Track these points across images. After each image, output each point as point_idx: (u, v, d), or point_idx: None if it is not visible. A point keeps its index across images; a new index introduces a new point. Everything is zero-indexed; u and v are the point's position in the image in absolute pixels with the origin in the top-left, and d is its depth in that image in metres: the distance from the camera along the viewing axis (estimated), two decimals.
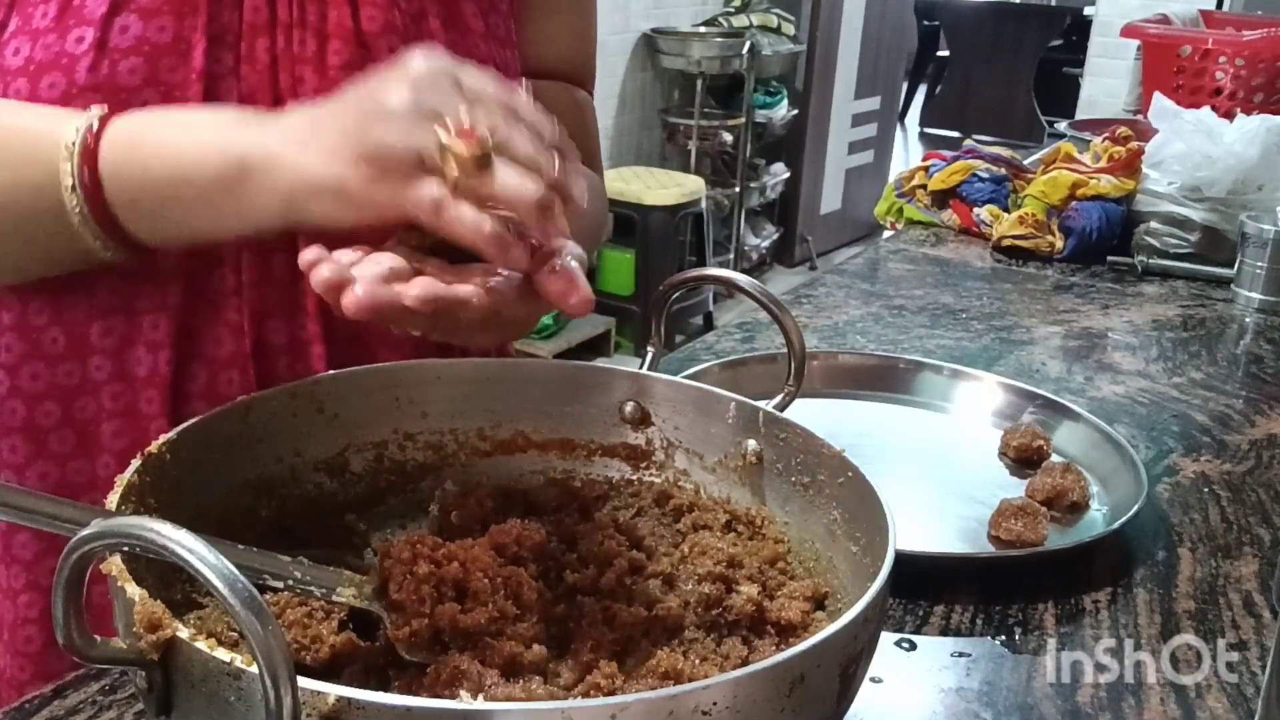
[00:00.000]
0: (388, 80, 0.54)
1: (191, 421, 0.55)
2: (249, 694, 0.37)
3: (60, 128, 0.60)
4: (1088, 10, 4.86)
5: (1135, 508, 0.80)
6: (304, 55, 0.70)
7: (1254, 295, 1.44)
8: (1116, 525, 0.79)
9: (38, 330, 0.70)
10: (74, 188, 0.59)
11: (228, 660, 0.37)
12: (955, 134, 6.21)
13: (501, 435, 0.67)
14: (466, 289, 0.53)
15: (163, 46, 0.65)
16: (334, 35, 0.70)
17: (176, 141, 0.59)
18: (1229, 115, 1.70)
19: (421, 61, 0.54)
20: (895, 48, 5.37)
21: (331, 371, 0.63)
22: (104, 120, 0.60)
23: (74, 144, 0.59)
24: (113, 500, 0.47)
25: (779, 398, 0.65)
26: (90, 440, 0.71)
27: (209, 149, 0.58)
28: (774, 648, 0.53)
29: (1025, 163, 1.77)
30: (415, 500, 0.65)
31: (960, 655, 0.69)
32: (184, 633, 0.39)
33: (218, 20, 0.67)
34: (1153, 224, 1.57)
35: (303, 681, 0.35)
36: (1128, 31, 2.26)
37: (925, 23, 7.38)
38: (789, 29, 4.45)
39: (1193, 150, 1.56)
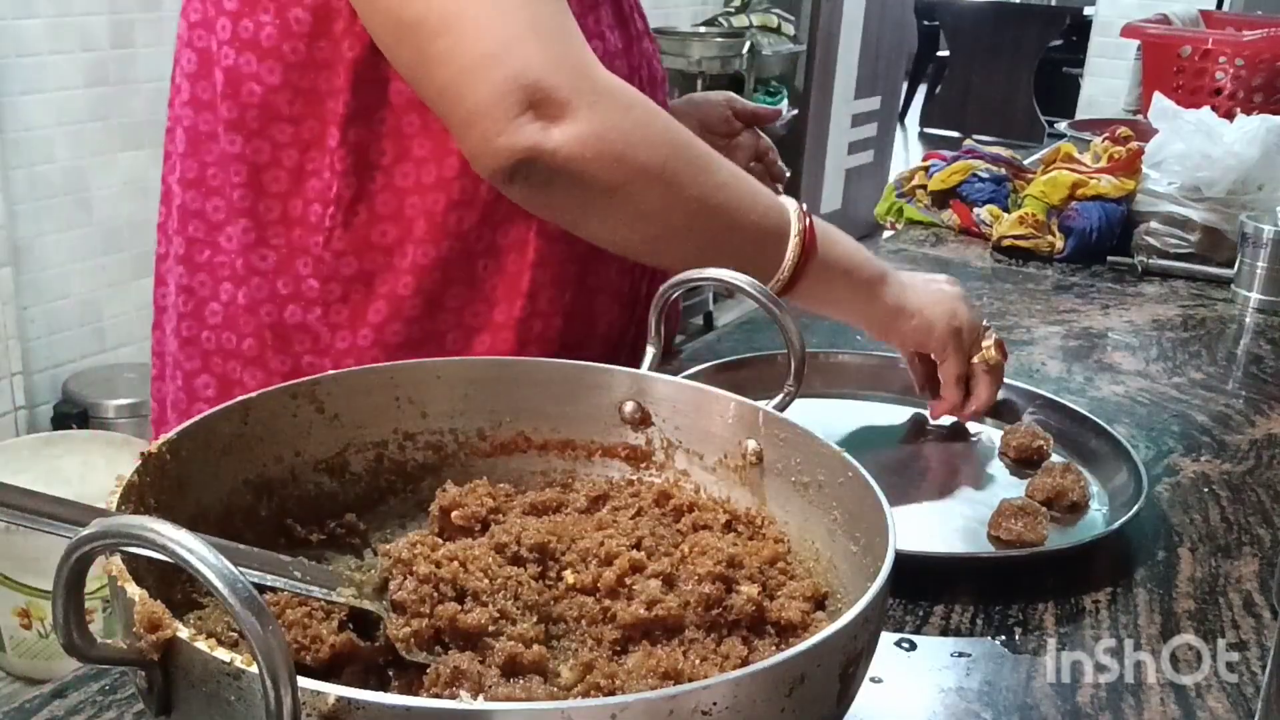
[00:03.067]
0: (960, 301, 0.96)
1: (191, 421, 0.55)
2: (249, 694, 0.37)
3: (784, 203, 0.86)
4: (1088, 10, 4.86)
5: (1135, 508, 0.80)
6: (653, 51, 1.00)
7: (1254, 295, 1.44)
8: (1116, 525, 0.79)
9: (556, 264, 0.89)
10: (797, 233, 0.84)
11: (228, 660, 0.37)
12: (955, 134, 6.20)
13: (501, 435, 0.67)
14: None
15: (616, 51, 0.91)
16: (644, 34, 0.99)
17: (849, 247, 0.90)
18: (1229, 115, 1.70)
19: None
20: (895, 48, 5.36)
21: (331, 371, 0.63)
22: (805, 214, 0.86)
23: (796, 211, 0.85)
24: (113, 500, 0.47)
25: (779, 398, 0.65)
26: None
27: (867, 255, 0.91)
28: (774, 648, 0.53)
29: (1025, 163, 1.77)
30: (415, 500, 0.65)
31: (960, 655, 0.69)
32: (184, 633, 0.39)
33: (626, 31, 0.93)
34: (1153, 224, 1.57)
35: (303, 681, 0.35)
36: (1128, 31, 2.26)
37: (925, 23, 7.38)
38: (789, 29, 4.45)
39: (1193, 150, 1.56)
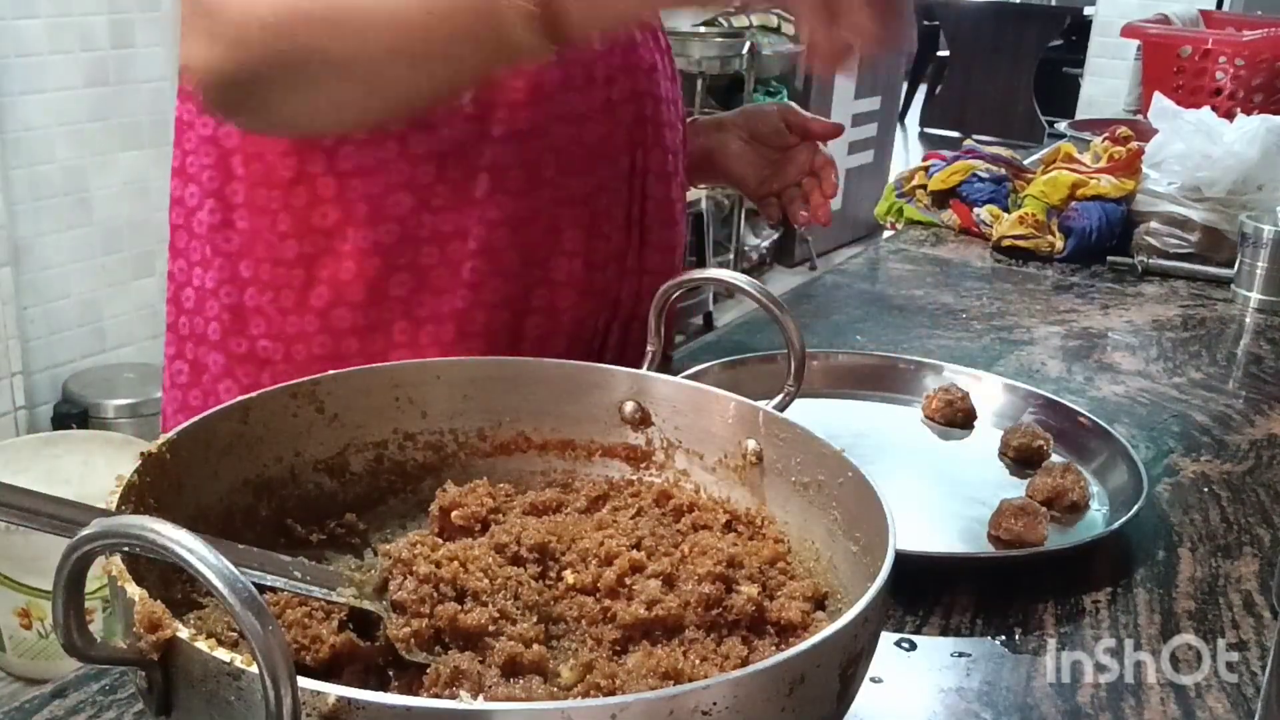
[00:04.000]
0: None
1: (191, 421, 0.55)
2: (249, 694, 0.37)
3: None
4: (1088, 10, 4.86)
5: (1135, 508, 0.80)
6: (640, 40, 0.94)
7: (1254, 295, 1.44)
8: (1116, 525, 0.79)
9: (499, 252, 0.87)
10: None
11: (228, 660, 0.37)
12: (955, 134, 6.20)
13: (501, 435, 0.67)
14: None
15: None
16: (645, 29, 0.95)
17: None
18: (1229, 115, 1.70)
19: None
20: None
21: (331, 372, 0.63)
22: None
23: None
24: (113, 500, 0.47)
25: (779, 398, 0.65)
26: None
27: None
28: (774, 648, 0.53)
29: (1025, 163, 1.77)
30: (415, 500, 0.65)
31: (960, 655, 0.69)
32: (184, 633, 0.39)
33: None
34: (1153, 224, 1.57)
35: (303, 681, 0.35)
36: (1128, 31, 2.27)
37: (925, 23, 7.38)
38: (789, 29, 4.44)
39: (1193, 150, 1.56)
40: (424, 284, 0.86)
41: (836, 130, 1.10)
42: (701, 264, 3.86)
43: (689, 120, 1.10)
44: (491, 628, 0.49)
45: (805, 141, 1.10)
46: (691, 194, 3.81)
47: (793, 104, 1.14)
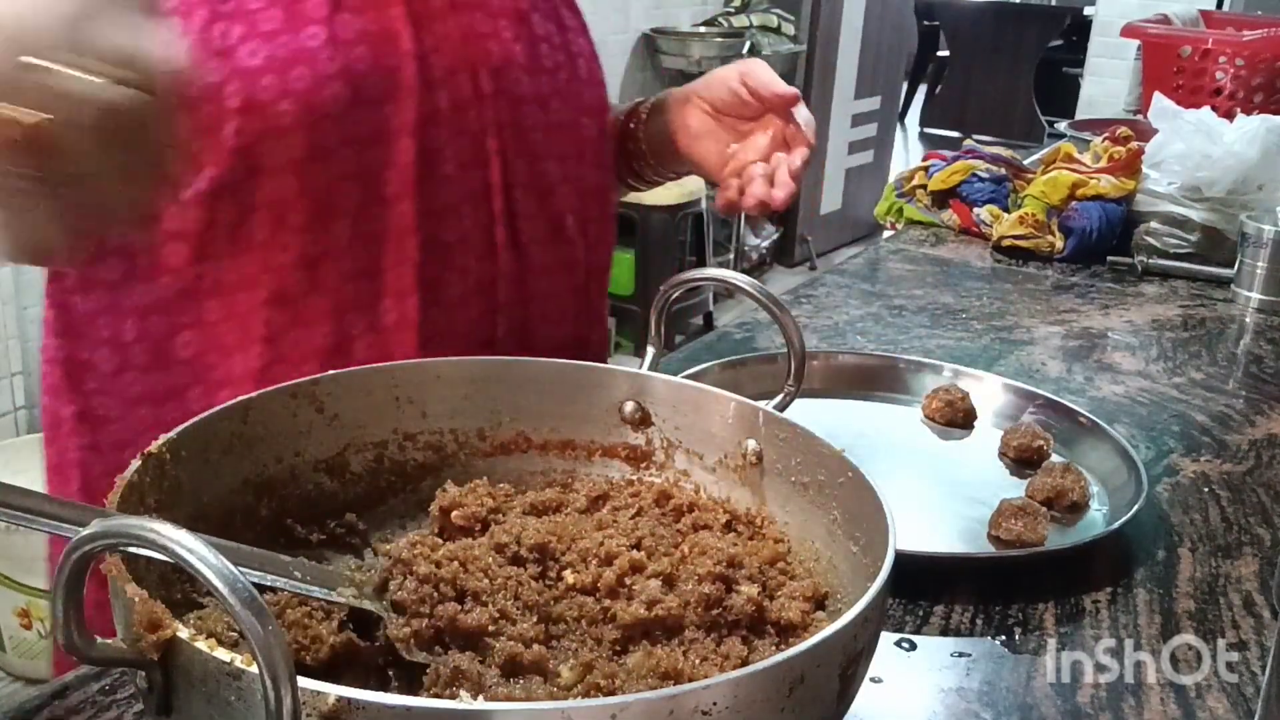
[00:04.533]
0: None
1: (191, 421, 0.55)
2: (249, 694, 0.37)
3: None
4: (1088, 10, 4.86)
5: (1135, 508, 0.80)
6: (485, 32, 0.82)
7: (1254, 295, 1.44)
8: (1116, 525, 0.79)
9: (296, 300, 0.77)
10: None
11: (228, 660, 0.37)
12: (955, 134, 6.20)
13: (501, 435, 0.67)
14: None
15: (377, 35, 0.76)
16: (500, 15, 0.83)
17: None
18: (1229, 115, 1.70)
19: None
20: (895, 48, 5.36)
21: (331, 371, 0.63)
22: None
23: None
24: (113, 500, 0.47)
25: (779, 398, 0.65)
26: None
27: None
28: (774, 648, 0.53)
29: (1025, 163, 1.77)
30: (415, 500, 0.65)
31: (960, 655, 0.69)
32: (184, 633, 0.39)
33: (412, 8, 0.78)
34: (1153, 224, 1.57)
35: (303, 681, 0.35)
36: (1128, 31, 2.26)
37: (925, 23, 7.38)
38: (789, 29, 4.45)
39: (1193, 150, 1.56)
40: (213, 342, 0.77)
41: (793, 97, 0.90)
42: (701, 264, 3.86)
43: (652, 100, 0.99)
44: (491, 628, 0.49)
45: (773, 110, 0.91)
46: (692, 193, 3.82)
47: (755, 62, 0.93)
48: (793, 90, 0.90)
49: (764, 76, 0.90)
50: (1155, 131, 1.65)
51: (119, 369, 0.78)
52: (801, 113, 0.89)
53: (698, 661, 0.51)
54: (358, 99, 0.75)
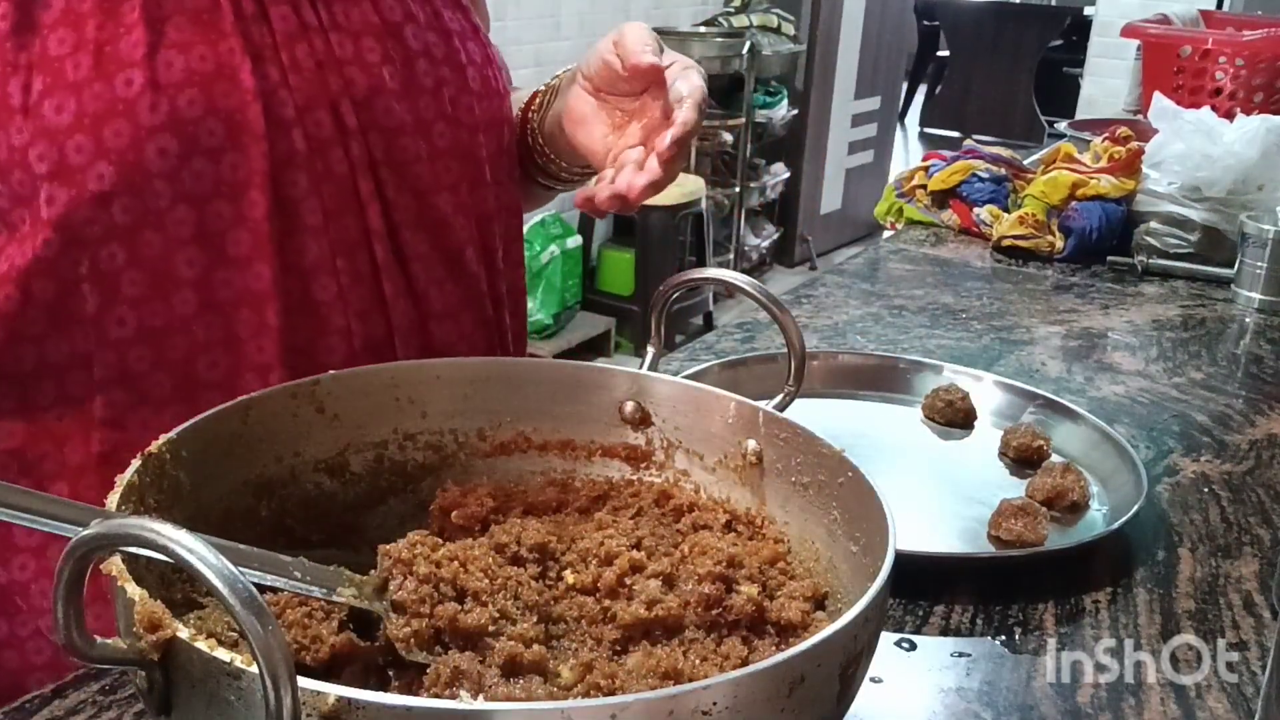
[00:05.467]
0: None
1: (191, 421, 0.55)
2: (249, 694, 0.37)
3: None
4: (1088, 10, 4.86)
5: (1135, 508, 0.80)
6: (345, 57, 0.71)
7: (1254, 295, 1.44)
8: (1116, 525, 0.79)
9: (139, 377, 0.69)
10: None
11: (228, 660, 0.37)
12: (955, 134, 6.20)
13: (501, 435, 0.67)
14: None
15: (210, 74, 0.66)
16: (364, 32, 0.72)
17: None
18: (1229, 115, 1.70)
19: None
20: (895, 48, 5.36)
21: (331, 371, 0.62)
22: None
23: None
24: (113, 500, 0.47)
25: (779, 398, 0.65)
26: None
27: None
28: (774, 648, 0.53)
29: (1025, 163, 1.77)
30: (415, 500, 0.65)
31: (960, 655, 0.69)
32: (184, 633, 0.39)
33: (250, 38, 0.68)
34: (1153, 224, 1.57)
35: (303, 681, 0.35)
36: (1128, 31, 2.26)
37: (925, 23, 7.38)
38: (789, 29, 4.45)
39: (1193, 150, 1.56)
40: (42, 430, 0.69)
41: (650, 68, 0.71)
42: (701, 264, 3.86)
43: (551, 82, 0.86)
44: (491, 628, 0.49)
45: (644, 83, 0.74)
46: (692, 193, 3.81)
47: (632, 26, 0.75)
48: (651, 60, 0.71)
49: (631, 42, 0.73)
50: (1155, 131, 1.65)
51: None
52: (686, 83, 0.71)
53: (698, 661, 0.51)
54: (190, 151, 0.65)
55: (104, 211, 0.64)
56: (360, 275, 0.73)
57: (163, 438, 0.53)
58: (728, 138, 4.22)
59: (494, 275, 0.83)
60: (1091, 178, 1.59)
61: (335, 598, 0.50)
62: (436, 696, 0.46)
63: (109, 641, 0.39)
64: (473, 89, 0.79)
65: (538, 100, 0.88)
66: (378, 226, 0.73)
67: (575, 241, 3.68)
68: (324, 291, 0.71)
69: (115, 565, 0.42)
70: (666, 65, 0.73)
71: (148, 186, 0.65)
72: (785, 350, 0.65)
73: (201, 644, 0.38)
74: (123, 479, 0.49)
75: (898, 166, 5.07)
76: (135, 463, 0.50)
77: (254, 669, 0.35)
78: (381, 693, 0.37)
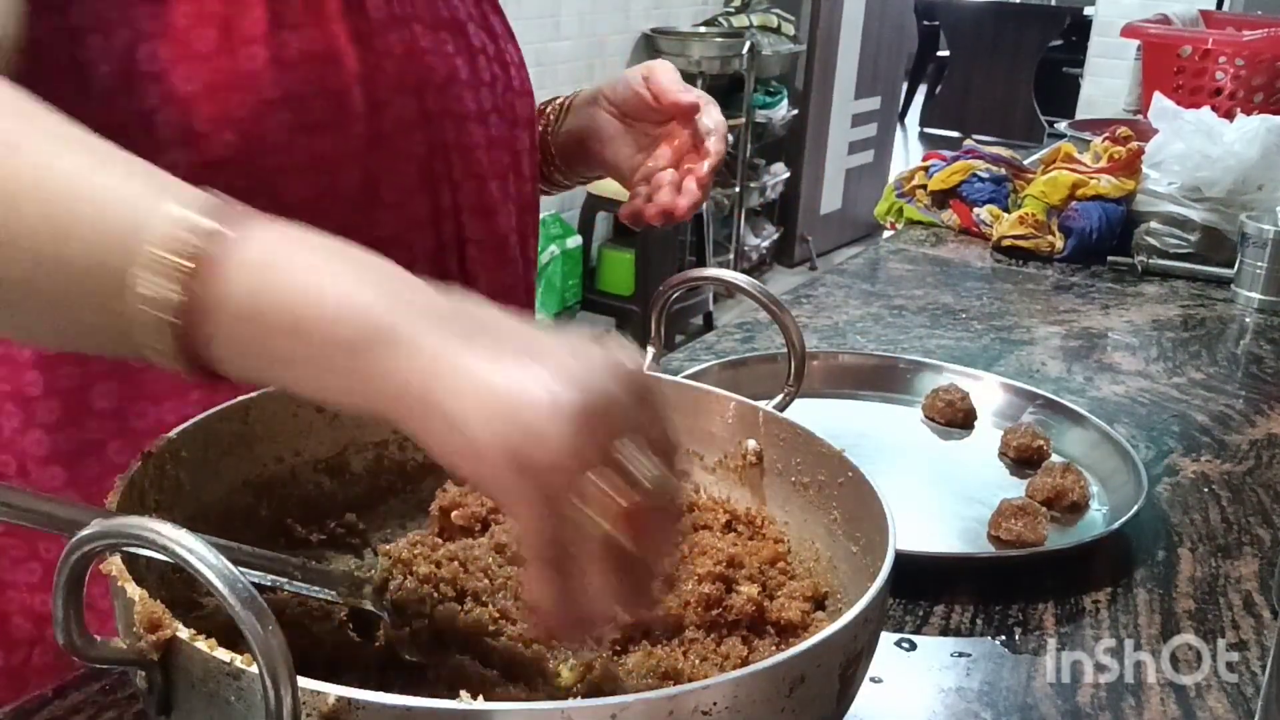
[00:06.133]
0: (580, 370, 0.42)
1: (191, 421, 0.55)
2: (249, 694, 0.37)
3: (147, 215, 0.45)
4: (1088, 10, 4.86)
5: (1135, 508, 0.80)
6: (427, 46, 0.76)
7: (1254, 295, 1.44)
8: (1116, 525, 0.79)
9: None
10: (162, 308, 0.43)
11: (228, 660, 0.37)
12: (955, 134, 6.21)
13: None
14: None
15: (320, 54, 0.70)
16: (439, 26, 0.77)
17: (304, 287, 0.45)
18: (1229, 115, 1.70)
19: (618, 382, 0.43)
20: (895, 48, 5.36)
21: None
22: (218, 236, 0.45)
23: (170, 256, 0.44)
24: (113, 500, 0.47)
25: (779, 398, 0.65)
26: None
27: (376, 289, 0.46)
28: (774, 648, 0.53)
29: (1025, 163, 1.77)
30: (415, 500, 0.65)
31: (960, 655, 0.69)
32: (184, 633, 0.39)
33: (353, 24, 0.72)
34: (1153, 224, 1.57)
35: (303, 681, 0.35)
36: (1128, 31, 2.26)
37: (925, 23, 7.38)
38: (789, 29, 4.45)
39: (1193, 150, 1.56)
40: (139, 390, 0.71)
41: (691, 106, 0.84)
42: (701, 264, 3.86)
43: (562, 100, 0.95)
44: (491, 628, 0.49)
45: (675, 118, 0.86)
46: None
47: (661, 64, 0.88)
48: (691, 99, 0.84)
49: (664, 81, 0.85)
50: (1155, 131, 1.65)
51: (23, 426, 0.70)
52: (710, 118, 0.85)
53: (698, 661, 0.51)
54: (300, 125, 0.68)
55: (222, 178, 0.62)
56: (426, 252, 0.77)
57: (163, 438, 0.53)
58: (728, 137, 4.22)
59: (527, 265, 0.87)
60: (1091, 178, 1.59)
61: (335, 598, 0.50)
62: (436, 696, 0.46)
63: (109, 641, 0.39)
64: (514, 88, 0.84)
65: (550, 113, 0.95)
66: (447, 206, 0.77)
67: (575, 241, 3.68)
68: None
69: (115, 565, 0.42)
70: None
71: (263, 158, 0.68)
72: (785, 350, 0.65)
73: (201, 644, 0.38)
74: (123, 479, 0.49)
75: (898, 166, 5.07)
76: (135, 463, 0.50)
77: (254, 669, 0.35)
78: (381, 693, 0.37)
